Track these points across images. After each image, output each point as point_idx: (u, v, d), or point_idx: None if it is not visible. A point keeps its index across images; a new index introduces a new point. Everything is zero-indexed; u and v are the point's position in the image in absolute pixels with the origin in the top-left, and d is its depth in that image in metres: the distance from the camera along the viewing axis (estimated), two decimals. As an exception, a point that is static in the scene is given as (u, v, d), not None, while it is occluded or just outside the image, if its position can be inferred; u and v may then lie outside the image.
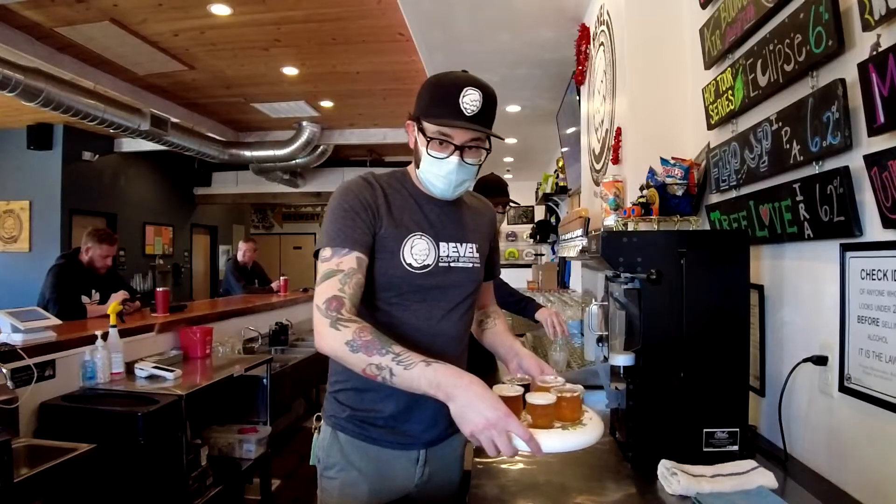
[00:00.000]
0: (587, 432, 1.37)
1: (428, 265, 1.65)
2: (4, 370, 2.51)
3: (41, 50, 5.84)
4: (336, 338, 1.42)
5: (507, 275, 3.65)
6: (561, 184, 6.47)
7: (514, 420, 1.25)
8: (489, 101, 1.56)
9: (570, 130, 5.10)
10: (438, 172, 1.60)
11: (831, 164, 1.54)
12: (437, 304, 1.68)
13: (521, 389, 1.46)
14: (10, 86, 5.27)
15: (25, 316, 3.06)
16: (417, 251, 1.64)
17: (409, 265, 1.63)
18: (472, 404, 1.27)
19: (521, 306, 3.44)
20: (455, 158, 1.57)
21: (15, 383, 2.65)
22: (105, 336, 3.38)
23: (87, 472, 2.54)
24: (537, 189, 8.94)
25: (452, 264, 1.69)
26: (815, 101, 1.58)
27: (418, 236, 1.66)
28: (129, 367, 3.54)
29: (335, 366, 1.69)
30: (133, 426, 2.93)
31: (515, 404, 1.40)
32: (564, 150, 5.85)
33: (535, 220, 10.68)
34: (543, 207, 8.94)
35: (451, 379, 1.31)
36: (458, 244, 1.72)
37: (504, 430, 1.24)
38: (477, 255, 1.75)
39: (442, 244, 1.68)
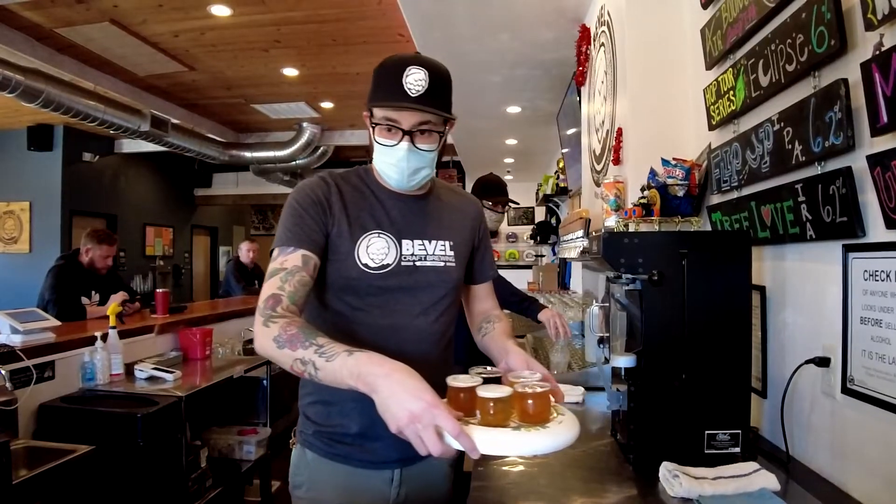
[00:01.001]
0: (542, 437, 1.16)
1: (387, 265, 1.54)
2: (3, 371, 2.51)
3: (41, 51, 5.84)
4: (265, 335, 1.33)
5: (507, 276, 3.65)
6: (561, 185, 6.47)
7: (443, 411, 1.08)
8: (437, 79, 1.46)
9: (571, 131, 5.09)
10: (389, 161, 1.51)
11: (834, 164, 1.53)
12: (403, 308, 1.57)
13: (480, 381, 1.27)
14: (10, 87, 5.28)
15: (24, 317, 3.05)
16: (374, 250, 1.54)
17: (366, 265, 1.53)
18: (394, 395, 1.11)
19: (523, 306, 3.43)
20: (405, 144, 1.48)
21: (14, 384, 2.65)
22: (104, 337, 3.37)
23: (86, 474, 2.54)
24: (537, 190, 8.94)
25: (418, 263, 1.58)
26: (817, 101, 1.57)
27: (375, 234, 1.56)
28: (129, 369, 3.54)
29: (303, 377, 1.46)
30: (132, 427, 2.92)
31: (471, 398, 1.22)
32: (565, 150, 5.84)
33: (536, 221, 10.68)
34: (544, 209, 8.93)
35: (372, 367, 1.17)
36: (426, 241, 1.61)
37: (430, 425, 1.08)
38: (451, 253, 1.64)
39: (405, 242, 1.58)
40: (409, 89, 1.43)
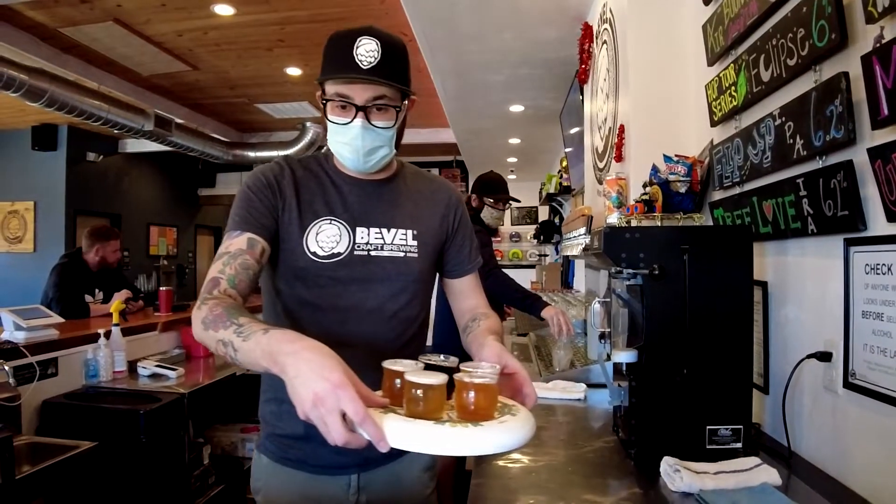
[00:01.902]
0: (469, 435, 0.97)
1: (338, 254, 1.44)
2: (7, 367, 2.52)
3: (45, 50, 5.86)
4: (196, 317, 1.22)
5: (510, 275, 3.65)
6: (564, 184, 6.47)
7: (349, 393, 0.92)
8: (390, 50, 1.37)
9: (574, 130, 5.09)
10: (343, 140, 1.41)
11: (835, 158, 1.53)
12: (356, 301, 1.46)
13: (419, 365, 1.14)
14: (14, 86, 5.29)
15: (28, 314, 3.07)
16: (324, 238, 1.44)
17: (314, 254, 1.43)
18: (300, 375, 0.96)
19: (526, 303, 3.42)
20: (359, 122, 1.37)
21: (17, 381, 2.66)
22: (108, 334, 3.39)
23: (88, 470, 2.55)
24: (541, 189, 8.94)
25: (374, 253, 1.48)
26: (818, 95, 1.57)
27: (327, 221, 1.46)
28: (132, 366, 3.56)
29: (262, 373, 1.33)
30: (135, 424, 2.94)
31: (442, 388, 1.05)
32: (568, 150, 5.84)
33: (539, 220, 10.68)
34: (547, 208, 8.94)
35: (283, 345, 1.02)
36: (384, 230, 1.50)
37: (335, 409, 0.92)
38: (413, 242, 1.53)
39: (360, 230, 1.48)
40: (361, 61, 1.34)
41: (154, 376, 3.49)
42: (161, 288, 4.57)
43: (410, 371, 1.06)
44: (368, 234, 1.48)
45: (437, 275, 1.69)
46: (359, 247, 1.47)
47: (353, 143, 1.40)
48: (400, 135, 1.50)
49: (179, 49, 6.14)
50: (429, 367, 1.15)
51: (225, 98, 7.96)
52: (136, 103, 7.03)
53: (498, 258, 4.15)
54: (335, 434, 0.93)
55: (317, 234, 1.45)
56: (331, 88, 1.39)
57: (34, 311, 3.18)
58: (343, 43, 1.36)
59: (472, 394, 1.04)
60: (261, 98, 7.99)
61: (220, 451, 3.86)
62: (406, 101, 1.46)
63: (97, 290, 4.59)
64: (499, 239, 11.84)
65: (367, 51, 1.35)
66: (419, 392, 1.02)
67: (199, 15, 5.32)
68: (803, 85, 1.67)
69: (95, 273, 4.64)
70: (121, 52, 6.11)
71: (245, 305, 1.29)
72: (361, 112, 1.38)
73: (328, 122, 1.42)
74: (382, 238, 1.50)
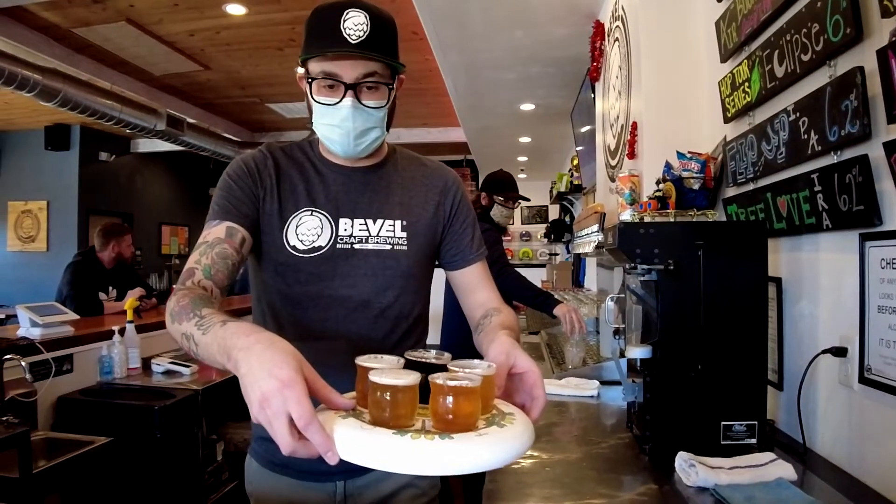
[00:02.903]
0: (432, 451, 0.81)
1: (319, 247, 1.35)
2: (24, 363, 2.54)
3: (59, 51, 5.90)
4: (166, 310, 1.13)
5: (521, 274, 3.65)
6: (575, 182, 6.46)
7: (297, 393, 0.81)
8: (379, 23, 1.28)
9: (585, 129, 5.09)
10: (331, 122, 1.31)
11: (850, 153, 1.53)
12: (339, 300, 1.37)
13: (400, 362, 0.99)
14: (28, 86, 5.33)
15: (44, 311, 3.10)
16: (305, 230, 1.35)
17: (294, 248, 1.34)
18: (251, 372, 0.85)
19: (539, 301, 3.42)
20: (349, 101, 1.27)
21: (33, 377, 2.68)
22: (122, 331, 3.41)
23: (103, 465, 2.57)
24: (551, 188, 8.94)
25: (357, 246, 1.37)
26: (833, 89, 1.57)
27: (307, 212, 1.37)
28: (146, 363, 3.59)
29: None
30: (149, 420, 2.96)
31: (412, 390, 0.90)
32: (579, 148, 5.83)
33: (549, 219, 10.67)
34: (558, 207, 8.93)
35: (237, 339, 0.91)
36: (368, 220, 1.40)
37: (281, 412, 0.81)
38: (402, 234, 1.42)
39: (343, 221, 1.38)
40: (349, 35, 1.24)
41: (168, 373, 3.51)
42: (174, 286, 4.60)
43: (377, 370, 0.91)
44: (352, 226, 1.39)
45: (443, 269, 1.57)
46: (341, 240, 1.37)
47: (342, 126, 1.30)
48: (391, 116, 1.40)
49: (191, 49, 6.17)
50: (413, 365, 1.01)
51: (236, 98, 7.99)
52: (149, 103, 7.07)
53: (508, 257, 4.15)
54: (280, 440, 0.82)
55: (297, 226, 1.36)
56: (316, 67, 1.29)
57: (50, 307, 3.21)
58: (328, 16, 1.27)
59: (447, 399, 0.87)
60: (272, 97, 8.02)
61: (232, 447, 3.87)
62: (396, 81, 1.37)
63: (111, 288, 4.62)
64: (509, 238, 11.83)
65: (355, 24, 1.25)
66: (384, 395, 0.87)
67: (210, 15, 5.34)
68: (818, 80, 1.67)
69: (109, 271, 4.68)
70: (133, 51, 6.14)
71: (224, 297, 1.24)
72: (351, 91, 1.28)
73: (314, 103, 1.31)
74: (367, 230, 1.40)
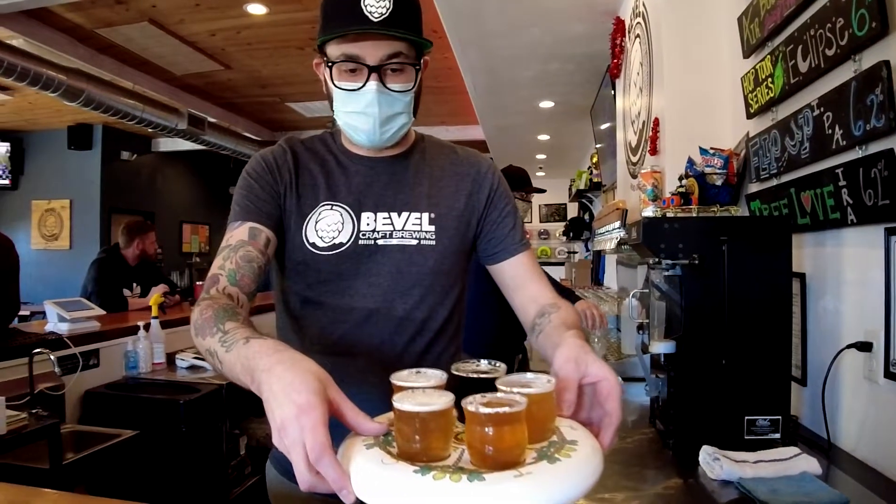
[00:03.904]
0: (459, 496, 0.68)
1: (340, 244, 1.25)
2: (52, 357, 2.59)
3: (82, 51, 5.96)
4: (191, 322, 1.06)
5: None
6: (595, 180, 6.44)
7: (312, 420, 0.73)
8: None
9: (605, 126, 5.07)
10: (355, 108, 1.21)
11: (875, 147, 1.52)
12: (360, 300, 1.27)
13: (432, 383, 0.87)
14: (53, 86, 5.39)
15: (71, 306, 3.15)
16: (325, 226, 1.25)
17: (313, 245, 1.25)
18: (273, 396, 0.78)
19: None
20: (373, 85, 1.18)
21: (62, 370, 2.72)
22: (147, 327, 3.46)
23: (130, 458, 2.61)
24: (570, 186, 8.92)
25: (381, 242, 1.27)
26: (858, 84, 1.57)
27: (327, 207, 1.27)
28: (170, 358, 3.63)
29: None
30: (175, 414, 3.00)
31: (443, 417, 0.78)
32: (599, 146, 5.82)
33: (568, 217, 10.64)
34: (576, 205, 8.91)
35: (259, 359, 0.85)
36: (393, 214, 1.29)
37: (298, 441, 0.73)
38: (430, 228, 1.30)
39: (365, 215, 1.28)
40: (370, 13, 1.14)
41: (192, 368, 3.56)
42: (197, 283, 4.65)
43: (403, 393, 0.81)
44: (375, 220, 1.28)
45: (486, 265, 1.44)
46: (363, 235, 1.27)
47: (367, 112, 1.20)
48: (418, 100, 1.29)
49: (212, 48, 6.22)
50: (457, 381, 0.89)
51: (256, 97, 8.04)
52: (170, 102, 7.13)
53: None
54: (297, 473, 0.75)
55: (316, 222, 1.26)
56: (335, 49, 1.19)
57: (77, 303, 3.27)
58: None
59: (483, 430, 0.74)
60: (292, 97, 8.05)
61: (255, 442, 3.91)
62: (423, 62, 1.26)
63: (135, 285, 4.68)
64: (528, 236, 11.78)
65: (376, 0, 1.14)
66: (411, 423, 0.77)
67: (231, 14, 5.38)
68: (842, 75, 1.67)
69: (133, 268, 4.74)
70: (155, 51, 6.20)
71: (251, 302, 1.16)
72: (375, 74, 1.18)
73: (334, 89, 1.21)
74: (391, 224, 1.29)
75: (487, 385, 0.84)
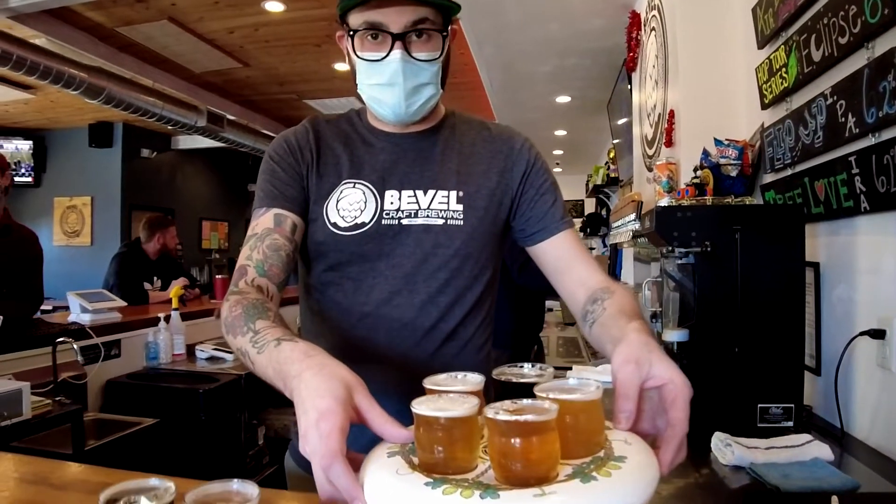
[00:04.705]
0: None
1: (362, 224, 1.18)
2: (76, 346, 2.64)
3: (103, 50, 6.03)
4: (221, 317, 1.04)
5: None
6: (612, 175, 6.43)
7: (330, 424, 0.70)
8: None
9: (622, 121, 5.07)
10: (379, 80, 1.14)
11: (888, 133, 1.52)
12: (383, 284, 1.20)
13: (474, 381, 0.84)
14: (74, 84, 5.47)
15: (93, 297, 3.21)
16: (346, 205, 1.19)
17: (335, 225, 1.18)
18: (301, 402, 0.75)
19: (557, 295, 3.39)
20: (397, 54, 1.10)
21: (84, 360, 2.77)
22: (167, 319, 3.51)
23: (150, 445, 2.66)
24: (587, 181, 8.89)
25: (405, 221, 1.19)
26: (870, 71, 1.57)
27: (350, 185, 1.20)
28: (190, 350, 3.69)
29: None
30: (194, 402, 3.05)
31: (466, 424, 0.72)
32: (616, 141, 5.81)
33: (585, 213, 10.60)
34: (594, 200, 8.87)
35: (290, 365, 0.82)
36: (418, 192, 1.22)
37: (317, 449, 0.70)
38: (458, 207, 1.22)
39: (389, 193, 1.21)
40: None
41: (211, 359, 3.62)
42: (217, 276, 4.71)
43: (426, 397, 0.76)
44: (400, 199, 1.21)
45: (527, 248, 1.33)
46: (387, 215, 1.19)
47: (392, 82, 1.13)
48: (446, 70, 1.21)
49: (231, 46, 6.26)
50: (503, 387, 0.84)
51: (274, 94, 8.09)
52: (189, 100, 7.20)
53: None
54: (316, 482, 0.72)
55: (338, 201, 1.20)
56: (357, 18, 1.12)
57: (98, 294, 3.33)
58: None
59: (506, 441, 0.67)
60: (309, 94, 8.09)
61: (273, 433, 3.95)
62: (450, 29, 1.18)
63: (155, 279, 4.74)
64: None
65: None
66: (431, 430, 0.71)
67: (249, 12, 5.42)
68: (855, 63, 1.67)
69: (154, 262, 4.81)
70: (174, 49, 6.25)
71: (281, 293, 1.13)
72: (399, 42, 1.11)
73: (357, 60, 1.15)
74: (416, 202, 1.21)
75: (528, 391, 0.76)
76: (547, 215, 1.28)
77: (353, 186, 1.21)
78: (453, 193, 1.23)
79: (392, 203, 1.20)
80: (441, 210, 1.21)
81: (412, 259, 1.20)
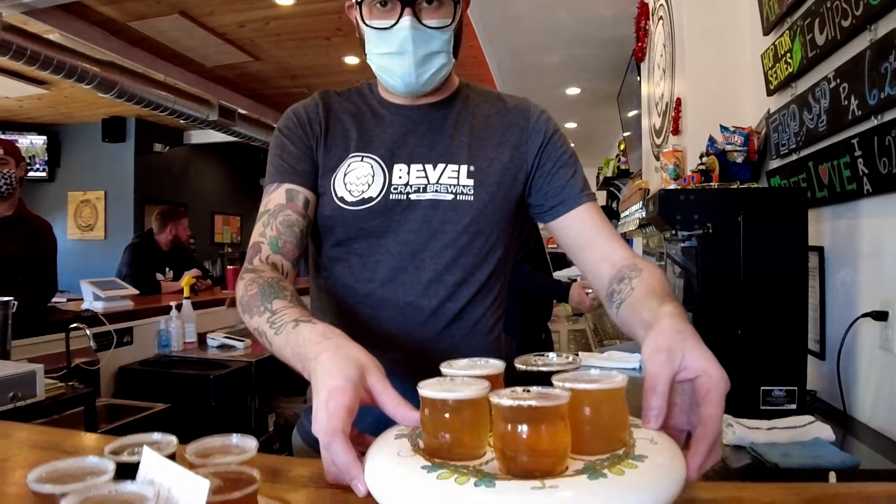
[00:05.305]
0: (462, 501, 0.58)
1: (370, 198, 1.13)
2: (89, 332, 2.67)
3: (115, 44, 6.07)
4: (237, 295, 1.02)
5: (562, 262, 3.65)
6: (622, 167, 6.42)
7: (336, 402, 0.70)
8: None
9: (632, 113, 5.07)
10: (388, 49, 1.10)
11: (890, 115, 1.53)
12: (389, 261, 1.15)
13: (495, 367, 0.80)
14: (87, 78, 5.52)
15: (105, 286, 3.25)
16: (354, 179, 1.15)
17: (341, 199, 1.14)
18: (315, 383, 0.75)
19: (550, 292, 3.35)
20: (407, 21, 1.06)
21: (97, 345, 2.81)
22: (179, 307, 3.55)
23: (161, 430, 2.69)
24: (598, 174, 8.88)
25: (413, 196, 1.15)
26: (872, 53, 1.57)
27: (357, 158, 1.16)
28: (202, 338, 3.73)
29: None
30: (205, 388, 3.09)
31: (471, 408, 0.68)
32: (626, 134, 5.81)
33: (596, 207, 10.55)
34: (605, 193, 8.86)
35: (308, 347, 0.81)
36: (427, 166, 1.17)
37: (325, 429, 0.70)
38: (468, 182, 1.17)
39: (397, 167, 1.16)
40: None
41: (222, 347, 3.66)
42: (228, 266, 4.75)
43: (436, 379, 0.73)
44: (408, 173, 1.16)
45: (545, 225, 1.28)
46: (395, 189, 1.15)
47: (402, 50, 1.09)
48: (458, 39, 1.16)
49: (241, 40, 6.29)
50: (524, 375, 0.78)
51: (285, 88, 8.12)
52: (201, 94, 7.23)
53: (553, 246, 3.98)
54: (323, 464, 0.72)
55: (345, 174, 1.16)
56: None
57: (111, 283, 3.38)
58: None
59: (509, 427, 0.63)
60: (320, 87, 8.03)
61: (283, 421, 3.99)
62: None
63: (167, 269, 4.79)
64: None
65: None
66: (434, 413, 0.69)
67: (260, 6, 5.44)
68: (858, 45, 1.67)
69: (166, 253, 4.86)
70: (186, 44, 6.29)
71: (296, 269, 1.12)
72: (409, 8, 1.07)
73: (366, 29, 1.11)
74: (425, 176, 1.16)
75: (547, 380, 0.70)
76: (566, 188, 1.21)
77: (361, 160, 1.16)
78: (464, 168, 1.17)
79: (400, 177, 1.16)
80: (450, 185, 1.16)
81: (420, 235, 1.15)
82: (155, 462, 0.58)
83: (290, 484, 0.83)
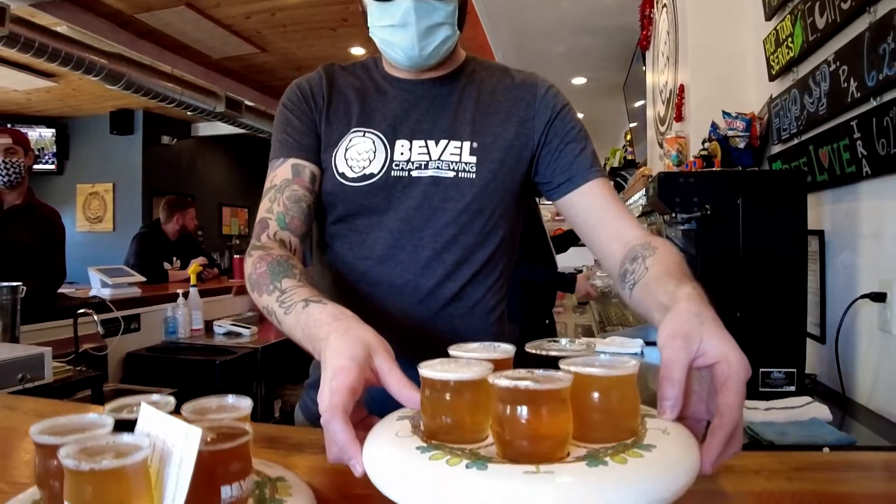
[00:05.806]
0: (449, 482, 0.56)
1: (371, 175, 1.11)
2: (97, 318, 2.70)
3: (123, 36, 6.10)
4: (245, 272, 1.01)
5: (572, 253, 3.66)
6: (629, 157, 6.42)
7: (338, 381, 0.69)
8: None
9: (639, 104, 5.06)
10: (391, 21, 1.06)
11: (889, 95, 1.53)
12: (388, 239, 1.13)
13: (506, 352, 0.77)
14: (95, 70, 5.55)
15: (113, 273, 3.29)
16: (355, 154, 1.13)
17: (342, 175, 1.12)
18: (324, 364, 0.74)
19: (556, 285, 3.37)
20: None
21: (105, 331, 2.85)
22: (186, 295, 3.59)
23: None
24: (605, 164, 8.87)
25: (415, 173, 1.12)
26: (871, 34, 1.58)
27: (359, 133, 1.14)
28: (208, 325, 3.77)
29: None
30: (212, 373, 3.13)
31: (471, 389, 0.66)
32: (633, 125, 5.81)
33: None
34: (612, 184, 8.84)
35: (318, 328, 0.80)
36: (430, 142, 1.14)
37: (325, 407, 0.69)
38: (471, 159, 1.14)
39: (399, 143, 1.14)
40: None
41: (229, 334, 3.70)
42: (235, 255, 4.79)
43: (435, 360, 0.70)
44: (411, 150, 1.14)
45: (554, 203, 1.23)
46: (397, 165, 1.12)
47: (404, 22, 1.05)
48: (463, 11, 1.13)
49: (248, 31, 6.31)
50: (534, 360, 0.75)
51: (291, 79, 7.81)
52: (208, 86, 7.25)
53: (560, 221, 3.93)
54: (326, 445, 0.71)
55: (346, 150, 1.14)
56: None
57: (119, 270, 3.42)
58: None
59: (507, 409, 0.60)
60: (326, 79, 8.12)
61: (289, 407, 4.02)
62: None
63: (175, 258, 4.84)
64: (561, 217, 11.71)
65: None
66: (434, 394, 0.66)
67: (266, -4, 5.47)
68: (857, 27, 1.67)
69: (173, 242, 4.91)
70: (192, 35, 6.31)
71: (304, 245, 1.12)
72: None
73: (367, 1, 1.09)
74: (427, 153, 1.14)
75: (557, 365, 0.66)
76: (574, 163, 1.17)
77: (363, 135, 1.14)
78: (466, 144, 1.14)
79: (402, 154, 1.13)
80: (452, 161, 1.13)
81: (420, 212, 1.12)
82: (152, 417, 0.61)
83: (288, 450, 0.85)
